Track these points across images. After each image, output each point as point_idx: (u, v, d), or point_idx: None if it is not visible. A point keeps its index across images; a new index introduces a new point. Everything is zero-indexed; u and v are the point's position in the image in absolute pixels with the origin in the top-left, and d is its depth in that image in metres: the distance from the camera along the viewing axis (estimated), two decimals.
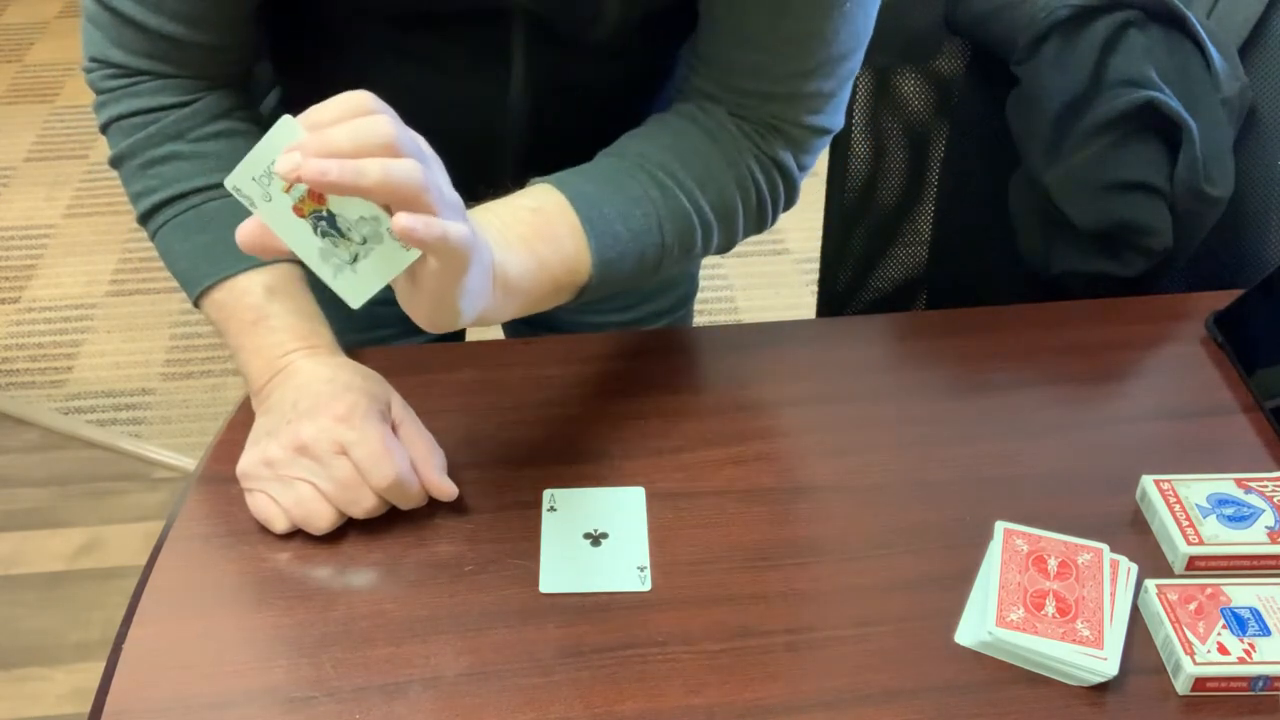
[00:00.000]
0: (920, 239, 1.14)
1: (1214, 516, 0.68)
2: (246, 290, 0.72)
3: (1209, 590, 0.64)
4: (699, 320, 1.21)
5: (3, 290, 2.30)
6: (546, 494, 0.71)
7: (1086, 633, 0.61)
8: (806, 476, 0.73)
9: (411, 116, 0.53)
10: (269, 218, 0.53)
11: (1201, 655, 0.60)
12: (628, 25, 0.73)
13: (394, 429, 0.69)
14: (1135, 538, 0.69)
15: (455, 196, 0.55)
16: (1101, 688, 0.60)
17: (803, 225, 2.35)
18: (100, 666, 0.62)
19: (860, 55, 0.73)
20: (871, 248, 1.14)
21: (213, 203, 0.73)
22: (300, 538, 0.68)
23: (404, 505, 0.69)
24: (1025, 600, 0.63)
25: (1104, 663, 0.60)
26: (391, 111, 0.52)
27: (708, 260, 2.32)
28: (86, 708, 0.60)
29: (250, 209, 0.52)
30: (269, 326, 0.71)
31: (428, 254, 0.53)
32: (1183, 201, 0.91)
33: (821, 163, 1.05)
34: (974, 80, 1.05)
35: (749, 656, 0.62)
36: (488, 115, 0.80)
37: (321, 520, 0.66)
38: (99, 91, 0.73)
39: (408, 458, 0.67)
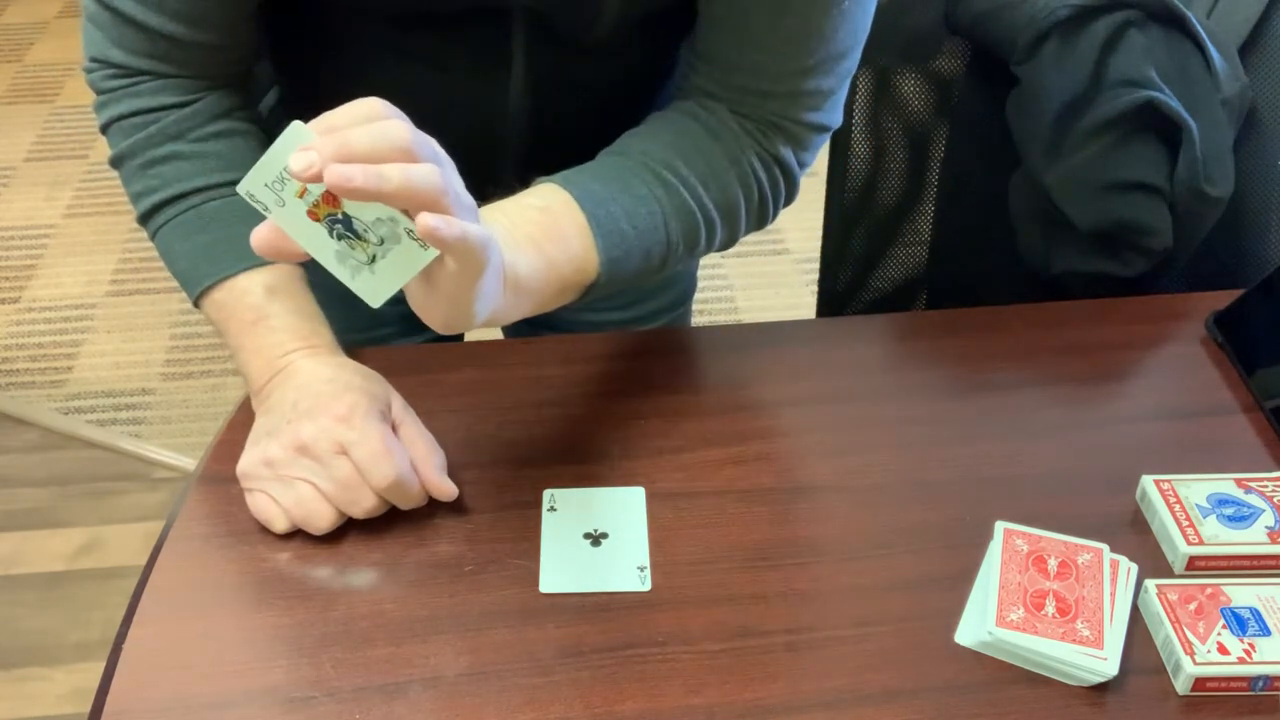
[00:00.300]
0: (920, 239, 1.14)
1: (1214, 516, 0.68)
2: (246, 290, 0.72)
3: (1209, 590, 0.64)
4: (699, 320, 1.21)
5: (3, 290, 2.30)
6: (546, 494, 0.71)
7: (1086, 633, 0.61)
8: (806, 476, 0.73)
9: (411, 116, 0.53)
10: (283, 222, 0.52)
11: (1201, 655, 0.60)
12: (627, 24, 0.73)
13: (394, 429, 0.69)
14: (1135, 538, 0.69)
15: (470, 199, 0.55)
16: (1101, 688, 0.60)
17: (803, 225, 2.35)
18: (100, 666, 0.62)
19: (858, 53, 0.73)
20: (871, 248, 1.14)
21: (213, 203, 0.73)
22: (300, 538, 0.68)
23: (404, 505, 0.69)
24: (1025, 600, 0.63)
25: (1104, 663, 0.60)
26: (404, 116, 0.52)
27: (707, 260, 2.32)
28: (86, 708, 0.60)
29: (264, 214, 0.52)
30: (269, 326, 0.71)
31: (446, 255, 0.53)
32: (1183, 201, 0.91)
33: (821, 163, 1.05)
34: (974, 80, 1.05)
35: (749, 656, 0.62)
36: (488, 115, 0.80)
37: (321, 520, 0.66)
38: (99, 92, 0.73)
39: (408, 458, 0.67)
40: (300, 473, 0.66)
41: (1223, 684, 0.60)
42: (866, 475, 0.73)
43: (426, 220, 0.50)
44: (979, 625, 0.63)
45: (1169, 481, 0.70)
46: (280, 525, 0.67)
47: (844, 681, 0.61)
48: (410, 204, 0.51)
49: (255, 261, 0.72)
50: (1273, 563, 0.66)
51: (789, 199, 0.78)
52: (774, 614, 0.64)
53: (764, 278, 2.34)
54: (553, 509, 0.70)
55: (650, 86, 0.87)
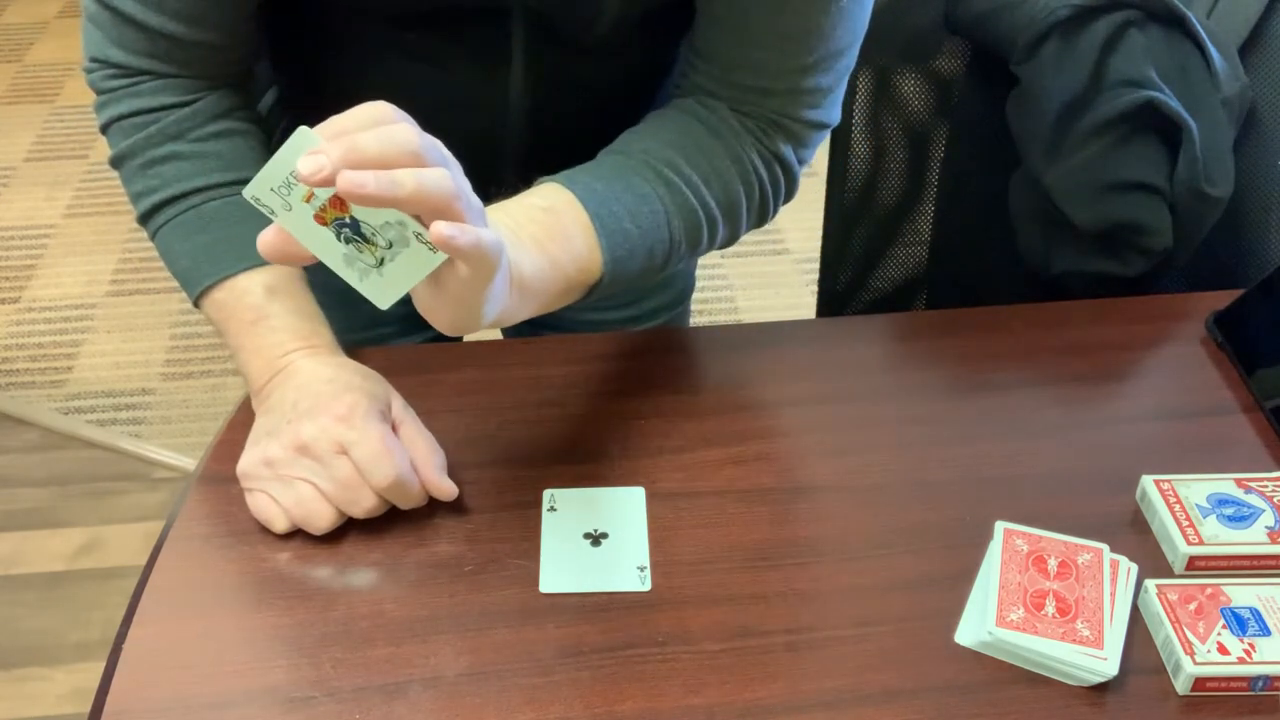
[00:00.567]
0: (920, 239, 1.14)
1: (1214, 516, 0.68)
2: (247, 290, 0.72)
3: (1209, 590, 0.64)
4: (699, 321, 1.21)
5: (3, 290, 2.30)
6: (546, 494, 0.71)
7: (1086, 633, 0.61)
8: (806, 476, 0.73)
9: (411, 116, 0.53)
10: (290, 226, 0.52)
11: (1201, 655, 0.60)
12: (627, 23, 0.73)
13: (394, 429, 0.69)
14: (1135, 538, 0.69)
15: (478, 201, 0.54)
16: (1101, 688, 0.60)
17: (803, 225, 2.35)
18: (100, 666, 0.62)
19: (856, 50, 0.73)
20: (871, 248, 1.14)
21: (213, 203, 0.73)
22: (300, 538, 0.68)
23: (404, 505, 0.69)
24: (1025, 600, 0.63)
25: (1104, 663, 0.60)
26: (411, 119, 0.52)
27: (707, 260, 2.32)
28: (86, 708, 0.60)
29: (270, 218, 0.52)
30: (269, 326, 0.71)
31: (459, 260, 0.53)
32: (1183, 201, 0.91)
33: (821, 163, 1.05)
34: (974, 80, 1.05)
35: (749, 656, 0.62)
36: (488, 114, 0.80)
37: (321, 520, 0.66)
38: (99, 92, 0.73)
39: (408, 458, 0.67)
40: (300, 472, 0.66)
41: (1223, 684, 0.60)
42: (866, 475, 0.73)
43: (441, 229, 0.50)
44: (979, 625, 0.63)
45: (1169, 481, 0.70)
46: (280, 525, 0.67)
47: (844, 681, 0.61)
48: (422, 209, 0.51)
49: (255, 261, 0.72)
50: (1273, 563, 0.66)
51: (789, 196, 0.78)
52: (774, 614, 0.64)
53: (764, 278, 2.34)
54: (553, 509, 0.70)
55: (650, 85, 0.87)
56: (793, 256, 2.40)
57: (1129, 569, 0.66)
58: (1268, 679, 0.60)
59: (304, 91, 0.86)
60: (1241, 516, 0.68)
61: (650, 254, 0.71)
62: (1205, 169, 0.89)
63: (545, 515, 0.70)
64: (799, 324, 0.90)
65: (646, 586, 0.66)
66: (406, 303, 0.58)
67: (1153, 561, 0.67)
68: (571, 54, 0.77)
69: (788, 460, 0.74)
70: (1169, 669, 0.61)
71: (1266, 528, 0.67)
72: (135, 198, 0.74)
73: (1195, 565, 0.66)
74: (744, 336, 0.87)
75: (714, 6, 0.71)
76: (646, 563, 0.67)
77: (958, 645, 0.63)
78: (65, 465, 1.91)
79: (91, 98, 0.74)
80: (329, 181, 0.48)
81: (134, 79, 0.72)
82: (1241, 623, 0.62)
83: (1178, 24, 0.93)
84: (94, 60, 0.73)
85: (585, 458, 0.74)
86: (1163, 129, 0.90)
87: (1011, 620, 0.62)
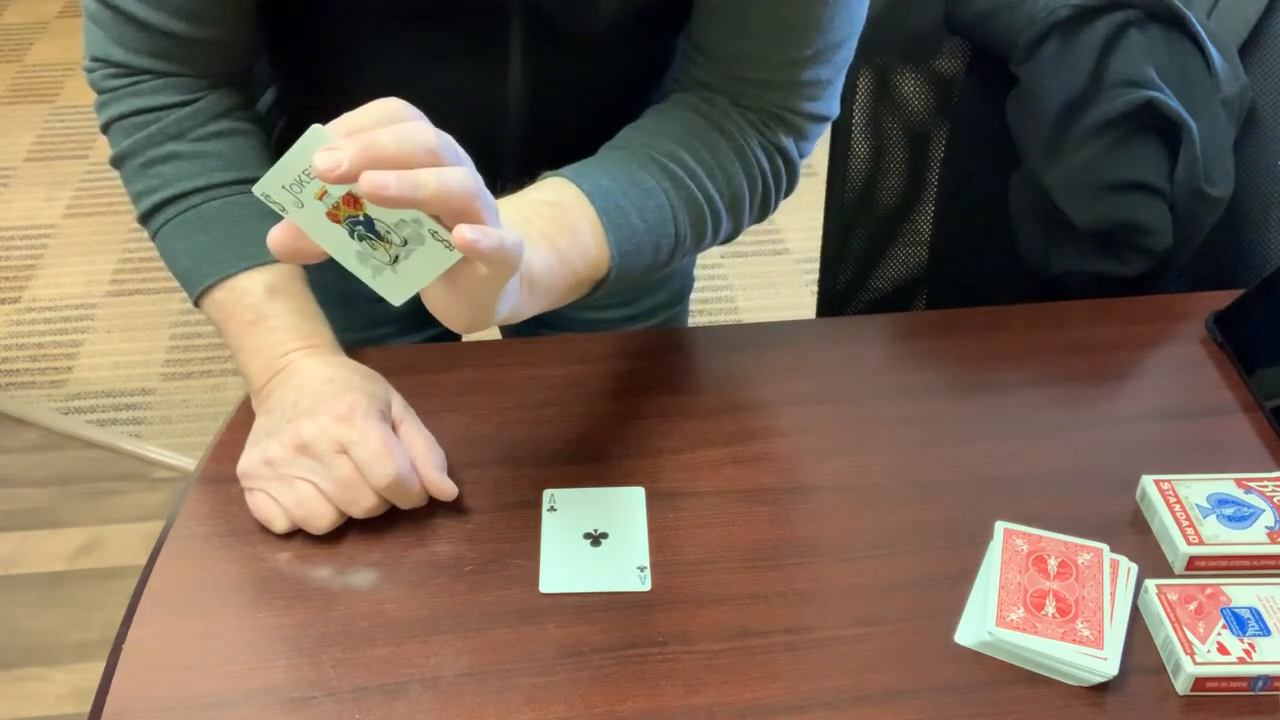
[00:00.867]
0: (920, 239, 1.14)
1: (1214, 516, 0.68)
2: (247, 290, 0.72)
3: (1209, 590, 0.64)
4: (699, 320, 1.21)
5: (3, 290, 2.30)
6: (546, 494, 0.71)
7: (1086, 633, 0.61)
8: (806, 476, 0.73)
9: None
10: (302, 223, 0.52)
11: (1201, 655, 0.60)
12: (625, 17, 0.73)
13: (394, 429, 0.69)
14: (1135, 538, 0.69)
15: (492, 199, 0.53)
16: (1101, 688, 0.60)
17: (803, 225, 2.35)
18: (100, 666, 0.62)
19: (855, 42, 0.73)
20: (871, 248, 1.14)
21: (213, 202, 0.73)
22: (300, 538, 0.68)
23: (404, 505, 0.69)
24: (1025, 600, 0.63)
25: (1104, 663, 0.60)
26: (424, 116, 0.51)
27: (707, 259, 2.32)
28: (86, 708, 0.60)
29: (281, 215, 0.52)
30: (269, 326, 0.71)
31: (478, 261, 0.52)
32: (1183, 201, 0.91)
33: (821, 162, 1.05)
34: (974, 80, 1.05)
35: (749, 656, 0.62)
36: (486, 110, 0.80)
37: (321, 520, 0.66)
38: (100, 91, 0.73)
39: (408, 457, 0.67)
40: (300, 472, 0.66)
41: (1223, 684, 0.60)
42: (866, 475, 0.73)
43: (465, 233, 0.49)
44: (979, 625, 0.63)
45: (1169, 481, 0.70)
46: (280, 525, 0.67)
47: (844, 681, 0.61)
48: (443, 210, 0.50)
49: (256, 261, 0.72)
50: (1273, 563, 0.66)
51: (790, 189, 0.78)
52: (774, 614, 0.64)
53: (764, 277, 2.34)
54: (553, 509, 0.70)
55: (648, 81, 0.87)
56: (793, 256, 2.40)
57: (1129, 569, 0.66)
58: (1268, 679, 0.60)
59: (303, 91, 0.86)
60: (1241, 516, 0.68)
61: (656, 248, 0.71)
62: (1205, 169, 0.89)
63: (545, 515, 0.70)
64: (799, 324, 0.90)
65: (646, 586, 0.66)
66: (407, 302, 0.57)
67: (1153, 561, 0.67)
68: (570, 49, 0.77)
69: (788, 460, 0.74)
70: (1169, 669, 0.61)
71: (1266, 528, 0.67)
72: (136, 197, 0.74)
73: (1195, 565, 0.66)
74: (744, 336, 0.87)
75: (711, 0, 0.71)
76: (646, 563, 0.67)
77: (958, 645, 0.63)
78: (65, 465, 1.91)
79: (92, 97, 0.74)
80: (346, 178, 0.47)
81: (135, 78, 0.72)
82: (1241, 623, 0.62)
83: (1178, 24, 0.93)
84: (95, 59, 0.73)
85: (585, 458, 0.74)
86: (1163, 129, 0.90)
87: (1011, 620, 0.62)
